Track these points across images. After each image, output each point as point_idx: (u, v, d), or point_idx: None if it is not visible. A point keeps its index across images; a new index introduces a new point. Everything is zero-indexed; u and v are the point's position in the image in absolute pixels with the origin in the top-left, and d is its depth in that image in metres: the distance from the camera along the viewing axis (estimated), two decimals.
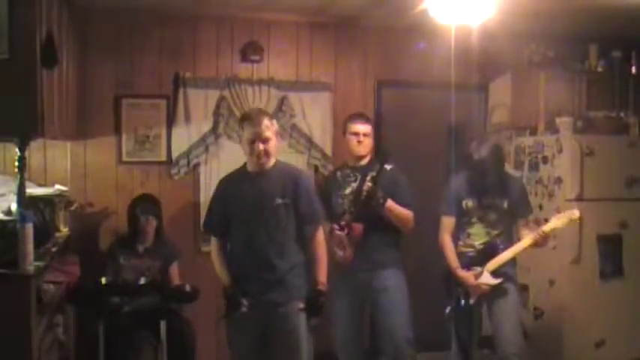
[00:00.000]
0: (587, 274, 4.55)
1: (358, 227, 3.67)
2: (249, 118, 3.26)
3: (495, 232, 3.83)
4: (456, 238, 3.91)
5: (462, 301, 3.81)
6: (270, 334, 3.24)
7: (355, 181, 3.78)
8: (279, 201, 3.24)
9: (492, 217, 3.83)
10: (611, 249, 4.61)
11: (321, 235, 3.38)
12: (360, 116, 3.94)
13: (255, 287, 3.22)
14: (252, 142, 3.19)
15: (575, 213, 3.74)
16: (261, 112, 3.38)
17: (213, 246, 3.43)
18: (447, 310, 3.86)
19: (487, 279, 3.73)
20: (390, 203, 3.65)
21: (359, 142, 3.81)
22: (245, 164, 3.37)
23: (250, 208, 3.25)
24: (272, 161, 3.29)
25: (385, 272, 3.76)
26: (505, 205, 3.82)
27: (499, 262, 3.74)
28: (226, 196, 3.36)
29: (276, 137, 3.31)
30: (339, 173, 3.93)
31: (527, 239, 3.73)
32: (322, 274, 3.29)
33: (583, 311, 4.51)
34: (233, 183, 3.37)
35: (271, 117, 3.37)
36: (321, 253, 3.34)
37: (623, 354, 4.59)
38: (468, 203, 3.86)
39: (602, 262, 4.59)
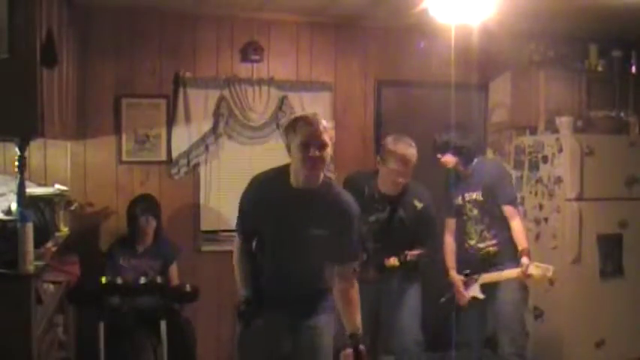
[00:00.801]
0: (587, 274, 4.55)
1: (373, 275, 3.59)
2: (304, 118, 2.73)
3: (481, 227, 3.79)
4: (460, 240, 3.90)
5: (447, 299, 3.88)
6: (291, 353, 2.93)
7: (382, 211, 3.60)
8: (318, 232, 2.74)
9: (475, 212, 3.79)
10: (611, 249, 4.61)
11: (354, 278, 2.86)
12: (409, 142, 3.50)
13: (278, 306, 2.85)
14: (306, 146, 2.62)
15: (550, 270, 3.54)
16: (318, 115, 2.81)
17: (237, 247, 2.95)
18: (442, 300, 3.92)
19: (474, 291, 3.77)
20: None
21: (403, 175, 3.46)
22: (287, 169, 2.78)
23: (285, 230, 2.78)
24: (320, 177, 2.73)
25: (401, 275, 3.72)
26: (480, 196, 3.75)
27: (489, 279, 3.73)
28: (259, 203, 2.83)
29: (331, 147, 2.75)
30: (366, 190, 3.59)
31: (512, 271, 3.65)
32: (358, 318, 2.80)
33: (583, 311, 4.51)
34: (270, 192, 2.81)
35: (329, 121, 2.97)
36: (355, 296, 2.82)
37: (623, 354, 4.59)
38: (457, 201, 3.86)
39: (602, 262, 4.59)
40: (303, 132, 2.65)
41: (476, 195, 3.77)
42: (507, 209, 3.74)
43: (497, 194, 3.74)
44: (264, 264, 2.89)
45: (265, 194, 2.81)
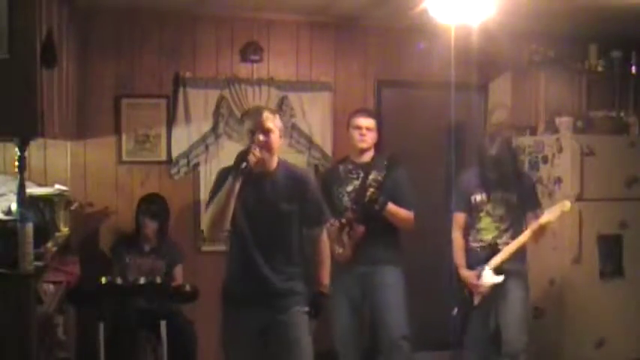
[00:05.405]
0: (587, 274, 4.55)
1: (360, 229, 3.66)
2: (250, 111, 3.22)
3: (503, 226, 3.82)
4: (466, 235, 3.90)
5: (468, 302, 3.83)
6: (271, 341, 3.10)
7: (357, 178, 3.79)
8: (285, 208, 3.05)
9: (500, 211, 3.82)
10: (611, 249, 4.61)
11: (325, 236, 3.26)
12: (364, 111, 4.01)
13: (255, 291, 3.05)
14: (252, 134, 3.00)
15: (566, 204, 3.68)
16: (263, 107, 3.34)
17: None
18: (455, 311, 3.89)
19: (489, 278, 3.74)
20: (390, 207, 3.66)
21: (361, 135, 3.81)
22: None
23: (253, 213, 3.05)
24: (275, 160, 3.08)
25: (383, 269, 3.76)
26: (514, 199, 3.82)
27: (501, 258, 3.73)
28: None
29: (279, 133, 3.08)
30: (341, 167, 3.92)
31: (524, 234, 3.73)
32: (325, 276, 3.18)
33: (583, 311, 4.51)
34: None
35: (275, 112, 3.20)
36: (325, 253, 3.22)
37: (623, 354, 4.59)
38: (477, 198, 3.86)
39: (602, 262, 4.59)
40: (249, 121, 3.08)
41: (509, 196, 3.82)
42: (533, 216, 3.80)
43: (528, 201, 3.85)
44: (237, 252, 3.11)
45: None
